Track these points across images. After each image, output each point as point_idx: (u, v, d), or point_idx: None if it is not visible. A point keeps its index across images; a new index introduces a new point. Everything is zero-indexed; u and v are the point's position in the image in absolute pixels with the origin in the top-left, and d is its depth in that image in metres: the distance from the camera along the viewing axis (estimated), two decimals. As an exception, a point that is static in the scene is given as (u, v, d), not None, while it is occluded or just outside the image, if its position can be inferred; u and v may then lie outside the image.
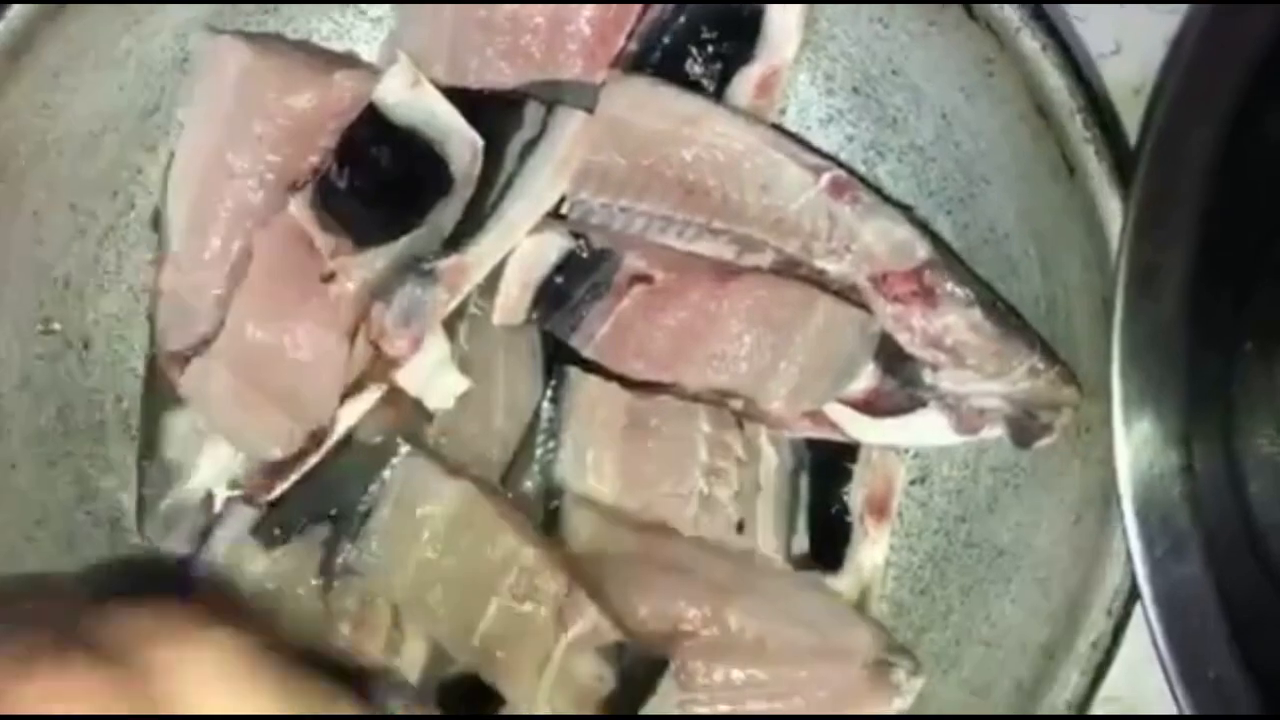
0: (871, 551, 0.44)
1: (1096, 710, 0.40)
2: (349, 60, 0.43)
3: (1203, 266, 0.37)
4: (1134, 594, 0.38)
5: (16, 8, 0.39)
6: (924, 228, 0.42)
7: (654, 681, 0.41)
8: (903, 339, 0.41)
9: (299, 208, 0.41)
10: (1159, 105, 0.38)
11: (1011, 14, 0.39)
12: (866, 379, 0.42)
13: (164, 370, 0.42)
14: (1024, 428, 0.41)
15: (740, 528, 0.43)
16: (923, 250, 0.41)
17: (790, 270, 0.42)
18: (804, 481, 0.44)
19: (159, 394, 0.42)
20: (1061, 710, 0.39)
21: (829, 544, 0.44)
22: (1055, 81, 0.39)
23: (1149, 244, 0.38)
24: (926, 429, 0.42)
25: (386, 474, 0.41)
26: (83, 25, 0.40)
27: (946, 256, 0.42)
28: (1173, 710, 0.36)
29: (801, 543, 0.44)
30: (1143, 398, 0.37)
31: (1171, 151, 0.37)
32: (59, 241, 0.42)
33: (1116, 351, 0.38)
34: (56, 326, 0.42)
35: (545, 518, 0.43)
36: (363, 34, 0.44)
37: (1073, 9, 0.43)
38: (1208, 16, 0.37)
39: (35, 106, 0.41)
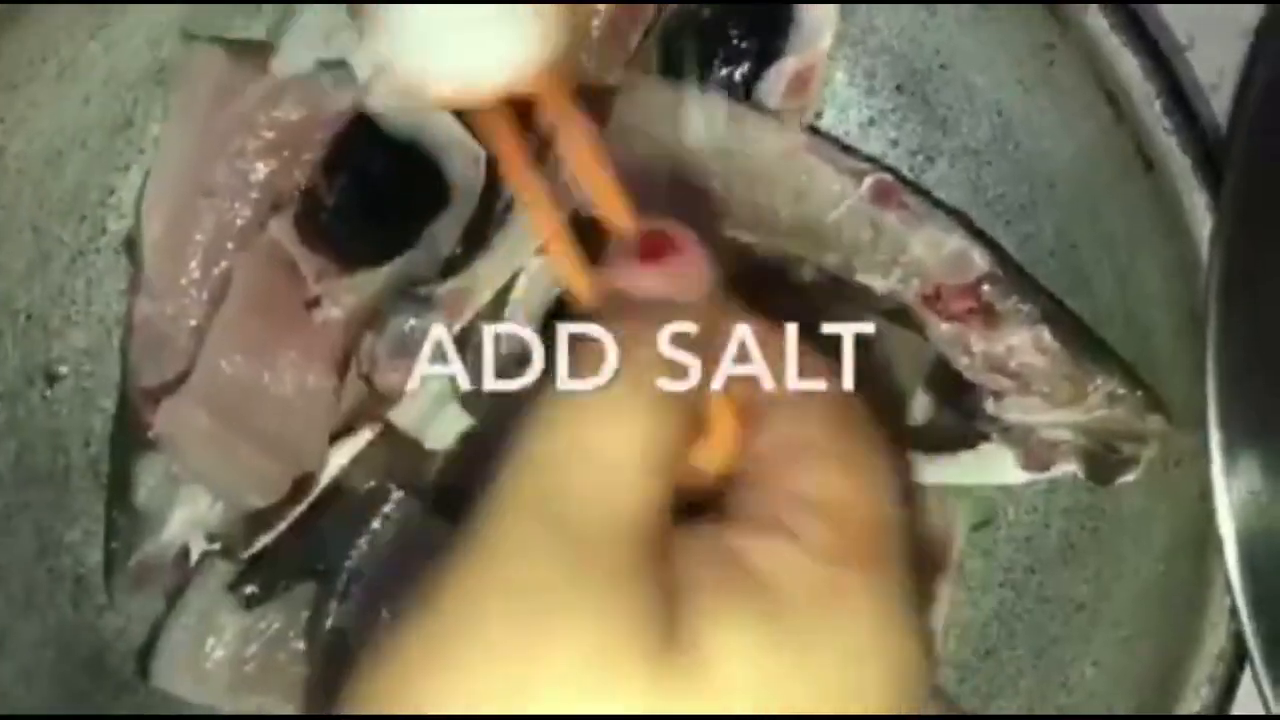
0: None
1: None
2: (338, 67, 0.40)
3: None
4: (1239, 657, 0.33)
5: (-31, 11, 0.36)
6: (981, 236, 0.39)
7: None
8: (960, 363, 0.38)
9: (281, 228, 0.39)
10: (1251, 90, 0.33)
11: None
12: (918, 411, 0.39)
13: (136, 409, 0.39)
14: (1102, 462, 0.38)
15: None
16: (981, 261, 0.38)
17: (830, 288, 0.38)
18: (850, 528, 0.39)
19: (130, 436, 0.40)
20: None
21: (880, 598, 0.39)
22: (1130, 65, 0.34)
23: (1245, 247, 0.33)
24: (989, 466, 0.39)
25: (377, 525, 0.37)
26: (44, 30, 0.38)
27: (1008, 268, 0.38)
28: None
29: (848, 597, 0.39)
30: (1246, 424, 0.33)
31: (1271, 139, 0.33)
32: (19, 269, 0.39)
33: (1212, 372, 0.33)
34: (17, 362, 0.39)
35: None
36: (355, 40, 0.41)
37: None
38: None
39: (-10, 120, 0.37)
